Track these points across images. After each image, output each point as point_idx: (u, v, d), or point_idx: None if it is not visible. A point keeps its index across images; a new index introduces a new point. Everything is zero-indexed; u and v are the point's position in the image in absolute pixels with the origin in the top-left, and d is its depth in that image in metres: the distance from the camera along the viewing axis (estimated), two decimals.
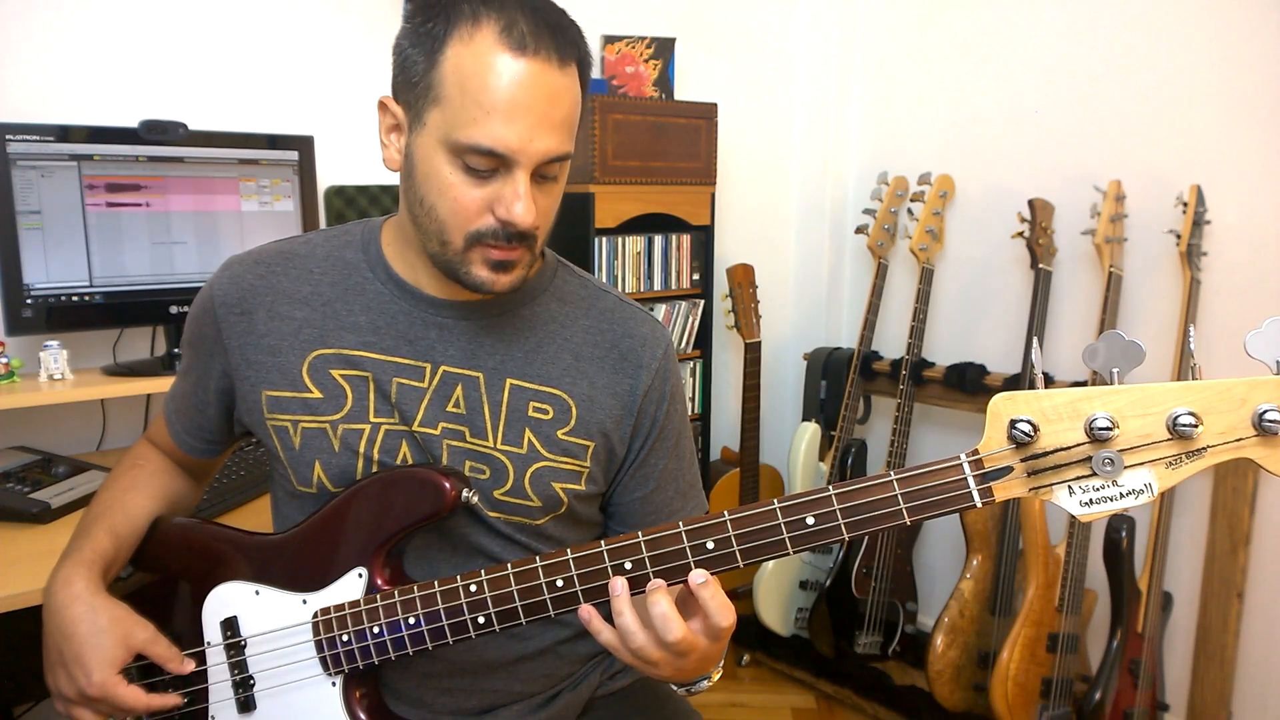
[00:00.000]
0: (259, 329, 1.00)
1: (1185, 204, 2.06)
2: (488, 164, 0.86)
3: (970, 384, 2.39)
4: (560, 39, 0.86)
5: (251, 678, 0.98)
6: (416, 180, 0.90)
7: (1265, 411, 0.67)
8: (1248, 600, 2.10)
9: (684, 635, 0.79)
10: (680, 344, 2.60)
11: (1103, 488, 0.71)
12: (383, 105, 0.93)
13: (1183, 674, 2.20)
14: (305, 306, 1.00)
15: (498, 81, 0.83)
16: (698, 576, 0.80)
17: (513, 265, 0.92)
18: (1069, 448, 0.71)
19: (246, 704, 0.98)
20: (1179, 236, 2.05)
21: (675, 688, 0.95)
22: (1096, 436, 0.69)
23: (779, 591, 2.58)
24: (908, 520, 0.76)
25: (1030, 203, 2.27)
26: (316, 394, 0.98)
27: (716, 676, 0.94)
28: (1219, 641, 2.10)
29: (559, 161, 0.90)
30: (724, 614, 0.80)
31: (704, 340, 2.64)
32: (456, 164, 0.87)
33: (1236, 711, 2.14)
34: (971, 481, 0.74)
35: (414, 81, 0.88)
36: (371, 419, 0.98)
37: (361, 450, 0.98)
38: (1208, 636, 2.13)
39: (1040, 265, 2.24)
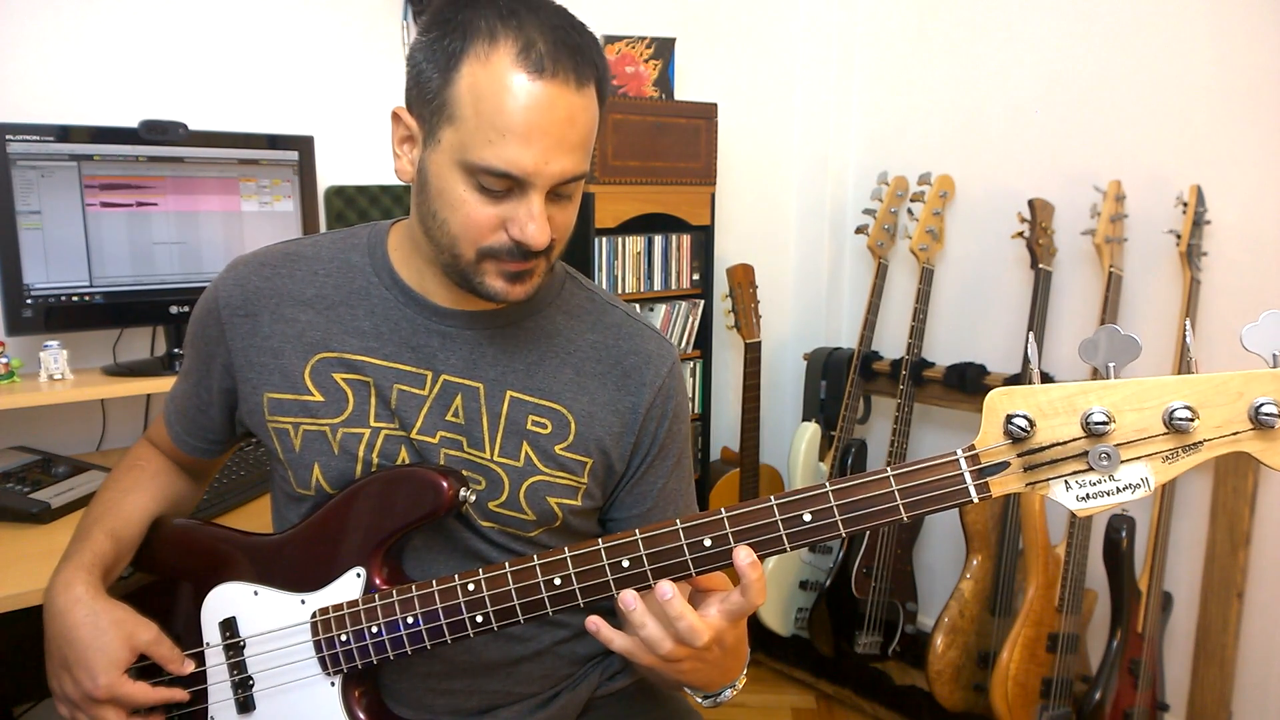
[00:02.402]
0: (263, 331, 1.00)
1: (1185, 204, 2.06)
2: (502, 185, 0.85)
3: (970, 384, 2.39)
4: (579, 60, 0.85)
5: (251, 678, 0.98)
6: (430, 195, 0.89)
7: (1262, 405, 0.66)
8: (1248, 600, 2.10)
9: (711, 636, 0.80)
10: (680, 344, 2.60)
11: (1099, 482, 0.71)
12: (396, 116, 0.92)
13: (1183, 674, 2.20)
14: (309, 309, 1.00)
15: (514, 104, 0.82)
16: (744, 555, 0.79)
17: (528, 275, 0.91)
18: (1065, 442, 0.71)
19: (246, 704, 0.98)
20: (1179, 236, 2.05)
21: (700, 699, 0.94)
22: (1093, 431, 0.69)
23: (779, 591, 2.58)
24: (905, 516, 0.76)
25: (1030, 203, 2.27)
26: (318, 397, 0.98)
27: (742, 684, 0.93)
28: (1219, 641, 2.10)
29: (574, 181, 0.89)
30: (760, 593, 0.81)
31: (704, 340, 2.64)
32: (470, 183, 0.86)
33: (1236, 711, 2.14)
34: (968, 477, 0.74)
35: (429, 98, 0.87)
36: (371, 424, 0.98)
37: (360, 454, 0.97)
38: (1208, 636, 2.12)
39: (1040, 265, 2.24)
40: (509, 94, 0.82)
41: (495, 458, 0.98)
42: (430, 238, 0.92)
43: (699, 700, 0.95)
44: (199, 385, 1.07)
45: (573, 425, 1.00)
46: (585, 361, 1.02)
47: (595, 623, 0.82)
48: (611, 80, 0.93)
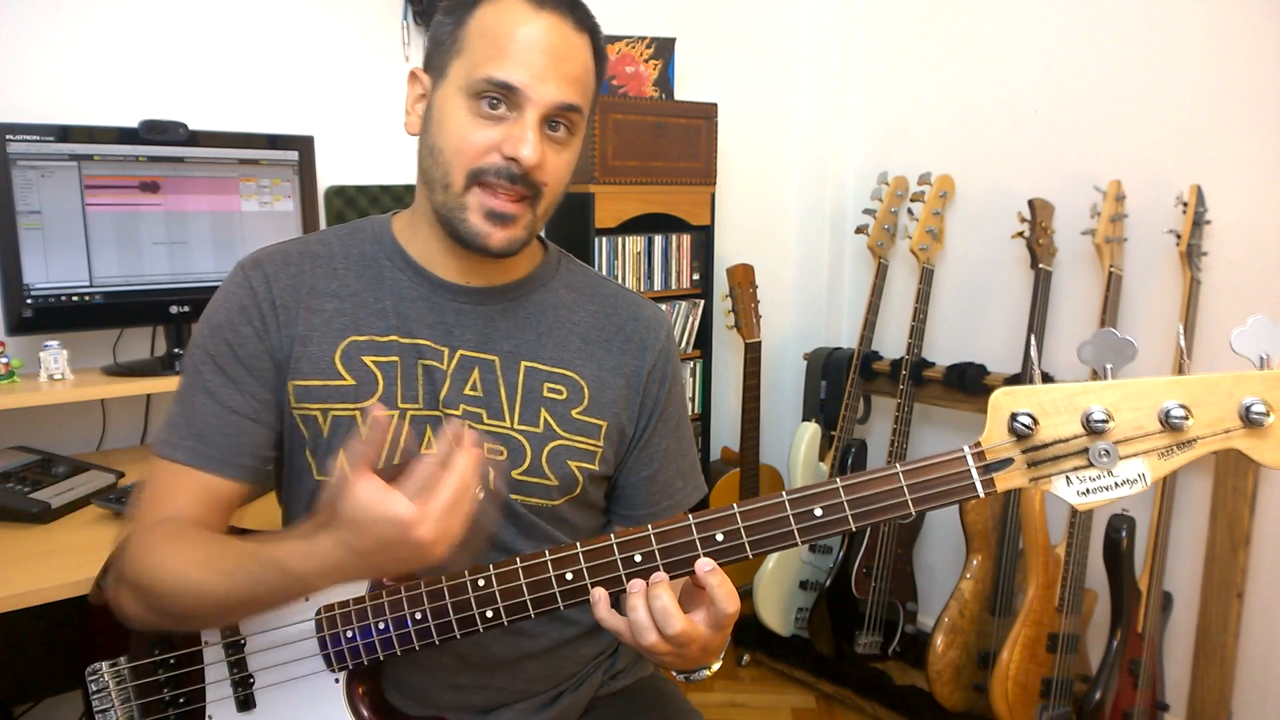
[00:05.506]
0: (293, 323, 1.00)
1: (1185, 204, 2.06)
2: (499, 95, 0.92)
3: (970, 384, 2.39)
4: (578, 9, 0.96)
5: (251, 675, 0.97)
6: (432, 130, 0.96)
7: (1251, 404, 0.70)
8: (1248, 600, 2.10)
9: (684, 628, 0.80)
10: (680, 344, 2.60)
11: (1099, 478, 0.74)
12: (413, 75, 1.00)
13: (1183, 674, 2.20)
14: (335, 299, 1.02)
15: (515, 27, 0.92)
16: (705, 564, 0.81)
17: (510, 220, 0.95)
18: (1067, 440, 0.74)
19: (246, 702, 0.97)
20: (1179, 236, 2.05)
21: (675, 674, 0.95)
22: (1093, 429, 0.72)
23: (779, 591, 2.58)
24: (913, 511, 0.78)
25: (1030, 203, 2.27)
26: (349, 381, 0.99)
27: (716, 667, 0.94)
28: (1219, 641, 2.10)
29: (569, 113, 0.94)
30: (730, 601, 0.82)
31: (704, 340, 2.64)
32: (471, 107, 0.92)
33: (1236, 711, 2.14)
34: (975, 473, 0.76)
35: (441, 42, 0.96)
36: (399, 405, 1.00)
37: (387, 436, 0.99)
38: (1208, 636, 2.13)
39: (1040, 265, 2.24)
40: (510, 19, 0.92)
41: (516, 426, 1.02)
42: (428, 181, 0.97)
43: (674, 675, 0.96)
44: (237, 394, 0.99)
45: (586, 390, 1.05)
46: (590, 330, 1.08)
47: (600, 593, 0.83)
48: (606, 50, 1.03)
